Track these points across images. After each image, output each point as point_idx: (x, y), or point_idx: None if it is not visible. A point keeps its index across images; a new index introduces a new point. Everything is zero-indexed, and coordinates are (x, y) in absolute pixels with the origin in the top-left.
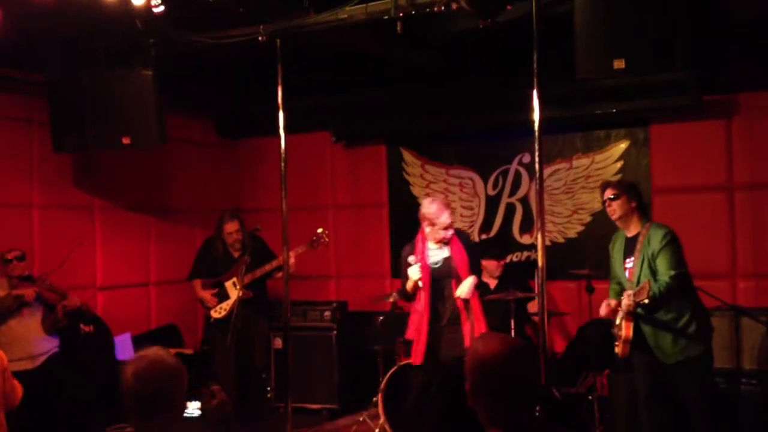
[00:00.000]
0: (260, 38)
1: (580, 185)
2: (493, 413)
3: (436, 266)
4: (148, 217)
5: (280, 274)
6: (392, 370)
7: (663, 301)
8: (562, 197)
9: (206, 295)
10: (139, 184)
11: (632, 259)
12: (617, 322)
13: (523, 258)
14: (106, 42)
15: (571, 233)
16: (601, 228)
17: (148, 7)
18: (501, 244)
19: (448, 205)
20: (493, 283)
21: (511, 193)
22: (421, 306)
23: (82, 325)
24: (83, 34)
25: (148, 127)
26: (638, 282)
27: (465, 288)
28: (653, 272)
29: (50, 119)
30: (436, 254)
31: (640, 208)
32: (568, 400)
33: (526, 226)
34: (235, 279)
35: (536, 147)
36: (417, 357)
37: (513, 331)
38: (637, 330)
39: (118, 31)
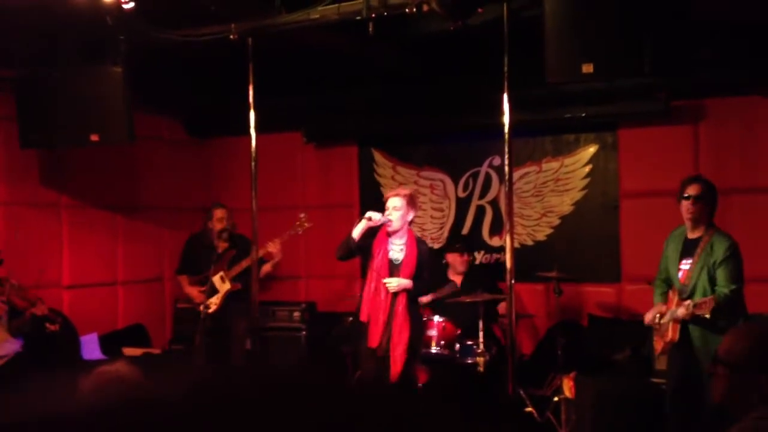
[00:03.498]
0: (231, 37)
1: (550, 188)
2: None
3: (396, 263)
4: (116, 215)
5: (266, 269)
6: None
7: (720, 313)
8: (531, 200)
9: (194, 292)
10: (107, 181)
11: (690, 261)
12: (662, 321)
13: (492, 260)
14: (76, 38)
15: (540, 236)
16: (569, 231)
17: (118, 3)
18: (466, 240)
19: (408, 198)
20: (458, 280)
21: (482, 196)
22: (377, 290)
23: (47, 324)
24: (52, 30)
25: (116, 125)
26: (694, 286)
27: (395, 282)
28: (711, 280)
29: (17, 115)
30: (396, 251)
31: (712, 213)
32: (535, 402)
33: (496, 229)
34: (222, 273)
35: (506, 150)
36: (374, 339)
37: (481, 333)
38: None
39: (88, 27)
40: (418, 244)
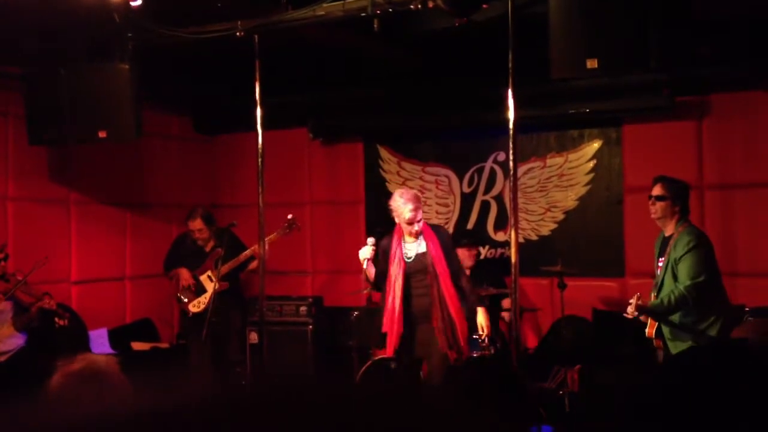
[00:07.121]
0: (238, 34)
1: (554, 183)
2: None
3: (410, 261)
4: (124, 211)
5: (253, 265)
6: (367, 365)
7: (671, 311)
8: (535, 195)
9: (185, 273)
10: (116, 178)
11: (663, 259)
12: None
13: (497, 255)
14: (84, 36)
15: (545, 231)
16: (573, 226)
17: (125, 1)
18: (473, 234)
19: (416, 199)
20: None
21: (486, 191)
22: (392, 298)
23: (56, 319)
24: (61, 28)
25: (124, 122)
26: (661, 283)
27: (482, 319)
28: (675, 277)
29: (26, 112)
30: (411, 249)
31: (682, 210)
32: (539, 395)
33: (501, 224)
34: (209, 272)
35: (511, 145)
36: (389, 350)
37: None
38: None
39: (96, 24)
40: (436, 231)
